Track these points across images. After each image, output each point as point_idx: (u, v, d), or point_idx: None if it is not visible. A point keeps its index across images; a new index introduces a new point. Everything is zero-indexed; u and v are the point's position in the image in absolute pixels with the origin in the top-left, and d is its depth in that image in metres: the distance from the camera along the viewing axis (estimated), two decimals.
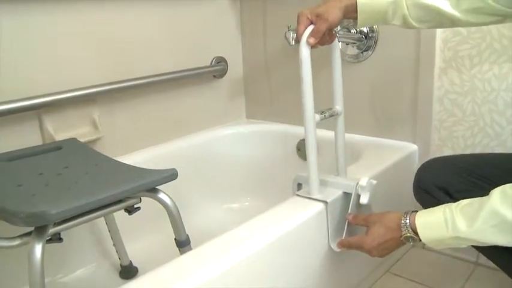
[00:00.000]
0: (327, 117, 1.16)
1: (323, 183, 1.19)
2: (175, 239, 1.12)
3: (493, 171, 1.06)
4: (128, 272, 1.47)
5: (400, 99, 1.52)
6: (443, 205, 0.91)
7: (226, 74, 1.86)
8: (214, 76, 1.84)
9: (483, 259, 1.42)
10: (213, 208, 1.82)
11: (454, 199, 1.01)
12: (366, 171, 1.29)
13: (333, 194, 1.15)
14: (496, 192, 0.83)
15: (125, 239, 1.43)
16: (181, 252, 1.11)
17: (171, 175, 1.04)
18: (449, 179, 1.08)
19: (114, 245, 1.43)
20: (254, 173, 1.87)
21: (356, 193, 1.14)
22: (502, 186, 0.84)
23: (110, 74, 1.50)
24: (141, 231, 1.55)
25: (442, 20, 1.01)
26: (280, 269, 1.05)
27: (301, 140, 1.74)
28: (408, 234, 0.95)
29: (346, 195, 1.17)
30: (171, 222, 1.11)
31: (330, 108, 1.18)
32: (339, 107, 1.20)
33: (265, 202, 1.79)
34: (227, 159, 1.84)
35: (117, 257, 1.45)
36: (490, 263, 1.37)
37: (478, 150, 1.40)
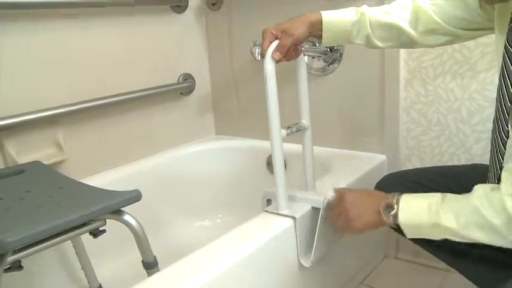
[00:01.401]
0: (294, 131, 1.16)
1: (291, 199, 1.18)
2: (142, 261, 1.10)
3: (443, 183, 1.08)
4: None
5: (367, 110, 1.53)
6: (428, 194, 0.91)
7: (194, 91, 1.85)
8: (182, 93, 1.83)
9: None
10: (185, 226, 1.79)
11: None
12: (334, 185, 1.29)
13: (302, 209, 1.15)
14: (479, 192, 0.85)
15: (94, 261, 1.39)
16: (149, 274, 1.08)
17: (135, 196, 1.01)
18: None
19: (82, 268, 1.39)
20: (225, 189, 1.85)
21: (324, 208, 1.14)
22: (483, 186, 0.85)
23: (73, 94, 1.47)
24: (110, 253, 1.51)
25: (402, 39, 1.04)
26: (250, 285, 1.03)
27: (271, 155, 1.73)
28: (388, 202, 0.93)
29: (315, 210, 1.16)
30: (137, 244, 1.08)
31: (297, 123, 1.18)
32: (305, 121, 1.19)
33: (237, 218, 1.77)
34: (197, 176, 1.82)
35: (86, 281, 1.41)
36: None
37: (445, 158, 1.42)
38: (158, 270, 1.08)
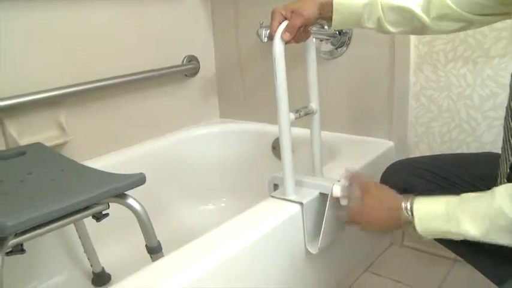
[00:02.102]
0: (302, 115, 1.13)
1: (299, 184, 1.15)
2: (146, 245, 1.08)
3: (451, 171, 1.06)
4: (101, 279, 1.42)
5: (375, 95, 1.50)
6: (443, 198, 0.86)
7: (198, 73, 1.82)
8: (186, 75, 1.80)
9: None
10: (189, 210, 1.77)
11: None
12: (342, 171, 1.26)
13: (309, 195, 1.12)
14: (502, 193, 0.79)
15: (97, 245, 1.38)
16: (153, 259, 1.07)
17: (139, 179, 0.99)
18: (411, 181, 1.07)
19: (85, 252, 1.38)
20: (229, 173, 1.83)
21: (338, 195, 1.11)
22: (505, 186, 0.80)
23: (76, 75, 1.44)
24: (113, 237, 1.50)
25: (414, 24, 1.01)
26: (256, 273, 1.02)
27: (276, 139, 1.71)
28: (409, 219, 0.89)
29: (323, 196, 1.14)
30: (141, 228, 1.06)
31: (305, 107, 1.15)
32: (314, 105, 1.16)
33: (242, 202, 1.76)
34: (201, 160, 1.80)
35: (89, 265, 1.40)
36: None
37: (454, 146, 1.39)
38: (162, 256, 1.07)
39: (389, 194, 0.96)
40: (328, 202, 1.11)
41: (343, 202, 1.06)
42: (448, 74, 1.35)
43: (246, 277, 0.99)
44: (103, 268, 1.42)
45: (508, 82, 1.23)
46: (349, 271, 1.38)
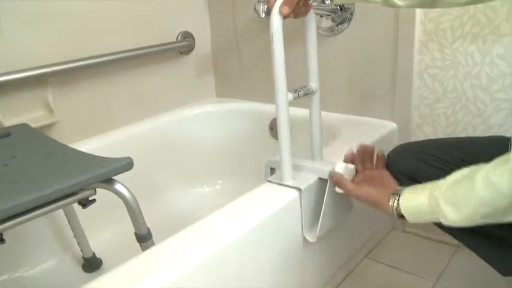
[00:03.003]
0: (301, 95, 1.06)
1: (297, 168, 1.10)
2: (135, 233, 1.03)
3: (457, 155, 1.01)
4: (91, 264, 1.38)
5: (378, 74, 1.43)
6: (427, 189, 0.86)
7: (194, 50, 1.75)
8: (181, 52, 1.72)
9: None
10: (183, 192, 1.72)
11: None
12: (343, 154, 1.20)
13: (307, 180, 1.07)
14: (479, 179, 0.77)
15: (87, 229, 1.33)
16: (143, 248, 1.01)
17: (126, 164, 0.93)
18: (414, 166, 1.03)
19: (75, 237, 1.33)
20: (225, 155, 1.77)
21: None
22: (482, 170, 0.78)
23: (65, 53, 1.37)
24: (104, 221, 1.45)
25: None
26: (251, 262, 0.97)
27: (273, 119, 1.65)
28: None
29: (322, 181, 1.08)
30: (129, 215, 1.01)
31: (304, 86, 1.09)
32: (314, 84, 1.10)
33: (238, 185, 1.71)
34: (196, 141, 1.74)
35: (80, 250, 1.36)
36: None
37: (460, 128, 1.33)
38: (153, 244, 1.02)
39: (381, 191, 0.95)
40: (327, 188, 1.06)
41: (339, 190, 1.03)
42: (454, 52, 1.28)
43: (240, 267, 0.94)
44: (94, 253, 1.37)
45: None
46: (348, 258, 1.33)
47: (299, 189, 1.04)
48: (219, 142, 1.77)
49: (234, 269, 0.93)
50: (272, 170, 1.15)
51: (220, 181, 1.79)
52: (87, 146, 1.35)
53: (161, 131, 1.65)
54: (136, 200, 1.00)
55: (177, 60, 1.72)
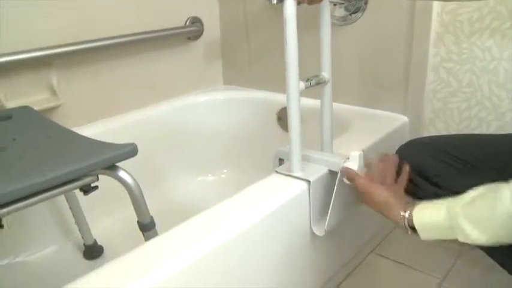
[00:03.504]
0: (313, 85, 1.03)
1: (306, 159, 1.07)
2: (138, 221, 1.00)
3: (471, 153, 0.98)
4: (92, 251, 1.35)
5: (391, 66, 1.39)
6: (445, 205, 0.80)
7: (202, 36, 1.71)
8: (189, 38, 1.68)
9: None
10: (188, 181, 1.69)
11: (434, 184, 0.97)
12: (353, 146, 1.17)
13: (317, 172, 1.04)
14: (507, 194, 0.72)
15: (89, 216, 1.31)
16: (146, 237, 0.99)
17: (129, 151, 0.90)
18: (426, 162, 1.00)
19: (76, 223, 1.31)
20: (231, 143, 1.74)
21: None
22: (509, 184, 0.72)
23: (70, 34, 1.33)
24: (105, 208, 1.43)
25: None
26: (257, 255, 0.94)
27: (281, 109, 1.61)
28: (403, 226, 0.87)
29: (332, 174, 1.05)
30: (132, 203, 0.98)
31: (316, 75, 1.05)
32: (326, 73, 1.06)
33: (243, 174, 1.69)
34: (202, 128, 1.71)
35: (81, 236, 1.33)
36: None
37: (473, 124, 1.29)
38: (156, 233, 0.99)
39: (395, 196, 0.92)
40: (337, 181, 1.02)
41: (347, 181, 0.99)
42: (472, 45, 1.24)
43: (246, 260, 0.91)
44: (95, 240, 1.35)
45: None
46: (354, 253, 1.31)
47: (308, 181, 1.01)
48: (225, 130, 1.74)
49: (240, 262, 0.90)
50: (280, 161, 1.12)
51: (225, 170, 1.76)
52: (90, 130, 1.32)
53: (166, 118, 1.62)
54: (139, 188, 0.97)
55: (184, 46, 1.68)
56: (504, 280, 0.98)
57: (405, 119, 1.39)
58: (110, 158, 0.88)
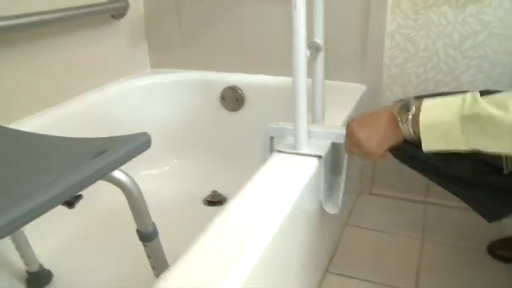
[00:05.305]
0: (313, 53, 0.95)
1: None
2: (137, 230, 0.83)
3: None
4: (39, 279, 1.10)
5: (348, 35, 1.36)
6: (457, 97, 0.74)
7: (127, 14, 1.49)
8: (113, 16, 1.46)
9: (432, 197, 1.39)
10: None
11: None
12: (339, 117, 1.12)
13: (324, 147, 0.96)
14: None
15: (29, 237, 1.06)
16: (147, 249, 0.82)
17: (145, 142, 0.73)
18: None
19: (16, 248, 1.05)
20: (170, 132, 1.57)
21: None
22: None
23: None
24: (46, 224, 1.17)
25: None
26: (290, 245, 0.82)
27: (225, 88, 1.48)
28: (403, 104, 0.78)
29: (335, 147, 0.98)
30: (131, 208, 0.81)
31: (312, 42, 0.97)
32: (319, 40, 0.99)
33: (188, 163, 1.55)
34: (133, 120, 1.49)
35: (24, 263, 1.07)
36: (438, 201, 1.40)
37: (431, 87, 1.33)
38: (159, 243, 0.83)
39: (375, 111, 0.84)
40: (346, 153, 0.96)
41: None
42: (428, 11, 1.26)
43: (288, 253, 0.80)
44: (41, 265, 1.10)
45: (491, 19, 1.19)
46: (332, 228, 1.26)
47: (319, 157, 0.93)
48: (161, 118, 1.55)
49: (283, 255, 0.78)
50: (271, 139, 1.02)
51: (169, 161, 1.58)
52: None
53: (91, 111, 1.38)
54: (139, 190, 0.82)
55: (108, 26, 1.45)
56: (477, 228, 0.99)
57: (363, 87, 1.37)
58: (127, 154, 0.70)
